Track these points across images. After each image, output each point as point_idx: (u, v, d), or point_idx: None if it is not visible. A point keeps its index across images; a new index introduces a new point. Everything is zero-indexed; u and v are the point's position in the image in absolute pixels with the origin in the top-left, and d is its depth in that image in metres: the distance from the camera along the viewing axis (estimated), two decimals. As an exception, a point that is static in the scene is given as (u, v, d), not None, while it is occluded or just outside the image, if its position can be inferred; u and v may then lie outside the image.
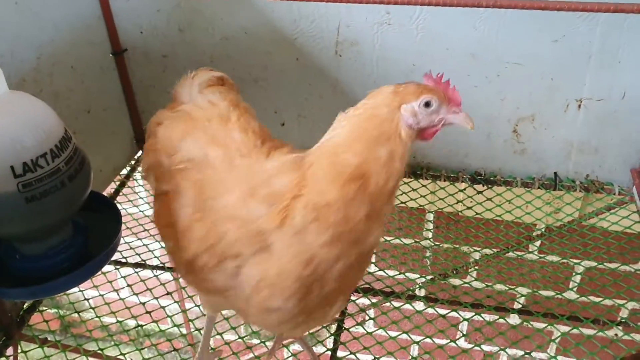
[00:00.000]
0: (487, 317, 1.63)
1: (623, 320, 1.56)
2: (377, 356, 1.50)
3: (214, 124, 1.27)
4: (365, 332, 1.58)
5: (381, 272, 1.80)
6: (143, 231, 1.91)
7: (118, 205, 2.01)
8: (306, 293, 1.05)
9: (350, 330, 1.59)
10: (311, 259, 1.02)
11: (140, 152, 2.21)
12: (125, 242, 1.85)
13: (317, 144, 1.08)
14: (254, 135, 1.22)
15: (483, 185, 1.96)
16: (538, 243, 2.02)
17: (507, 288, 1.72)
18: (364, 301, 1.74)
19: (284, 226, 1.02)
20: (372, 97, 1.09)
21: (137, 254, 1.83)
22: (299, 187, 1.03)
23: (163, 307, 1.67)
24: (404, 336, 1.58)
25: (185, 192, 1.18)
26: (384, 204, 1.04)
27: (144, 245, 1.87)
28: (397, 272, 1.77)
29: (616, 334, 1.56)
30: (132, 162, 2.18)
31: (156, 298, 1.69)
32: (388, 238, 1.95)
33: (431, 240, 2.13)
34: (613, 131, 1.82)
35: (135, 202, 2.08)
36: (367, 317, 1.61)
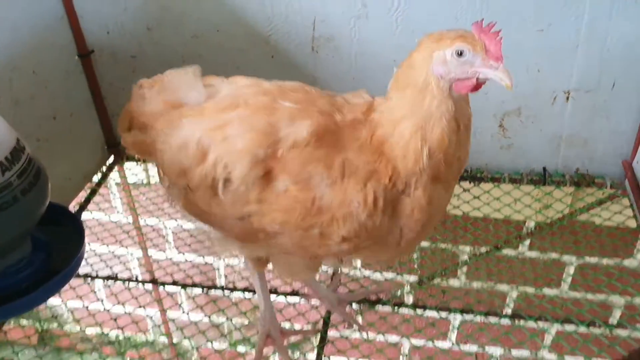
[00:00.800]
0: (478, 318, 1.56)
1: (619, 322, 1.49)
2: (363, 368, 1.42)
3: (283, 99, 1.16)
4: (350, 345, 1.50)
5: (367, 273, 1.72)
6: (115, 242, 1.82)
7: (89, 214, 1.94)
8: (433, 218, 1.15)
9: (334, 342, 1.51)
10: (429, 201, 1.09)
11: (112, 158, 2.11)
12: (96, 254, 1.77)
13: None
14: (314, 90, 1.21)
15: (470, 183, 1.89)
16: (528, 242, 1.95)
17: (498, 290, 1.64)
18: (347, 309, 1.66)
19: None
20: (419, 42, 1.07)
21: (107, 266, 1.74)
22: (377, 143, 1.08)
23: (136, 323, 1.58)
24: (392, 346, 1.50)
25: (317, 172, 1.08)
26: (453, 155, 1.07)
27: (115, 257, 1.78)
28: (384, 277, 1.70)
29: (610, 332, 1.49)
30: (104, 168, 2.08)
31: (127, 313, 1.60)
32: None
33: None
34: (603, 122, 1.75)
35: (109, 211, 1.99)
36: (353, 326, 1.54)
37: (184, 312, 1.62)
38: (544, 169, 1.87)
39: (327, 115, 1.11)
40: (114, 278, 1.71)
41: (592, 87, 1.69)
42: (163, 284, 1.69)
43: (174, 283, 1.68)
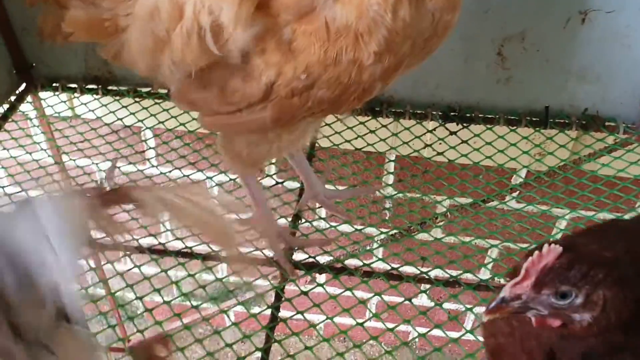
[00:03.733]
0: (455, 273, 1.31)
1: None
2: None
3: None
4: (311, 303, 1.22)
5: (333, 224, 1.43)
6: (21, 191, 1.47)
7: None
8: None
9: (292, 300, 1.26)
10: None
11: (23, 85, 1.72)
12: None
13: None
14: None
15: (457, 124, 1.56)
16: (517, 193, 1.66)
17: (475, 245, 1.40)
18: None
19: None
20: None
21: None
22: None
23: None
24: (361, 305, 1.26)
25: None
26: None
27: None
28: (353, 229, 1.42)
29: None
30: (12, 98, 1.69)
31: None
32: (340, 187, 1.57)
33: (393, 186, 1.75)
34: (623, 52, 1.43)
35: (22, 150, 1.62)
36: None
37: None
38: (546, 108, 1.55)
39: None
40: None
41: (616, 5, 1.36)
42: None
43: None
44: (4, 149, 1.59)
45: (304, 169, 1.42)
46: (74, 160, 1.59)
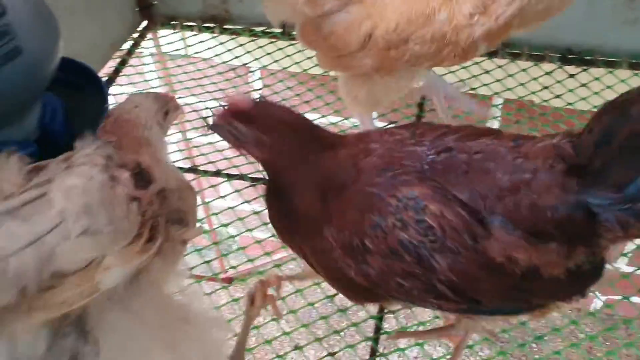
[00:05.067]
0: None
1: None
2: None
3: None
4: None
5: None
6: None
7: (119, 88, 1.66)
8: None
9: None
10: None
11: (144, 23, 1.79)
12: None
13: None
14: None
15: (576, 67, 1.53)
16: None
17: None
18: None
19: None
20: None
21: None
22: None
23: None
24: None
25: None
26: None
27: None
28: None
29: None
30: (135, 35, 1.77)
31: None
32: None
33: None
34: None
35: (141, 85, 1.71)
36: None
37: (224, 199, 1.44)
38: (673, 52, 1.49)
39: None
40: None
41: None
42: (205, 172, 1.46)
43: (217, 173, 1.44)
44: (127, 84, 1.66)
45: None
46: (196, 95, 1.66)
